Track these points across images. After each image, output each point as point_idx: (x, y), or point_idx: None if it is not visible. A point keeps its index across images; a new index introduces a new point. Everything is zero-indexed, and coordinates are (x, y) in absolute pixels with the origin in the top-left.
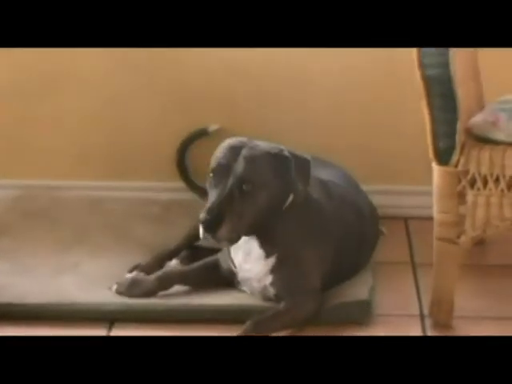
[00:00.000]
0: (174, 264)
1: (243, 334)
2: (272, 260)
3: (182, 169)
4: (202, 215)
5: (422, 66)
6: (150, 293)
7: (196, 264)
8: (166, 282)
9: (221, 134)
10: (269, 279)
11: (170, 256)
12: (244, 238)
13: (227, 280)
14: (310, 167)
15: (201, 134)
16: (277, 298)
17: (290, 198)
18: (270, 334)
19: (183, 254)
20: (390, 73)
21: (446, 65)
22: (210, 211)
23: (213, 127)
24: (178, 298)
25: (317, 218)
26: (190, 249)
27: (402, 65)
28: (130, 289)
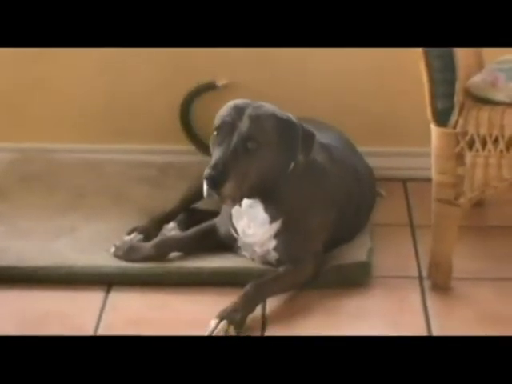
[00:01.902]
0: (171, 227)
1: (244, 296)
2: (277, 225)
3: (186, 124)
4: (207, 171)
5: None
6: (147, 259)
7: (192, 230)
8: (163, 250)
9: (228, 91)
10: (272, 244)
11: (168, 218)
12: (248, 203)
13: (225, 245)
14: (314, 141)
15: (207, 88)
16: (278, 263)
17: (292, 165)
18: (270, 296)
19: (180, 217)
20: None
21: None
22: (214, 167)
23: (222, 82)
24: (176, 261)
25: (321, 181)
26: (187, 212)
27: None
28: (128, 254)
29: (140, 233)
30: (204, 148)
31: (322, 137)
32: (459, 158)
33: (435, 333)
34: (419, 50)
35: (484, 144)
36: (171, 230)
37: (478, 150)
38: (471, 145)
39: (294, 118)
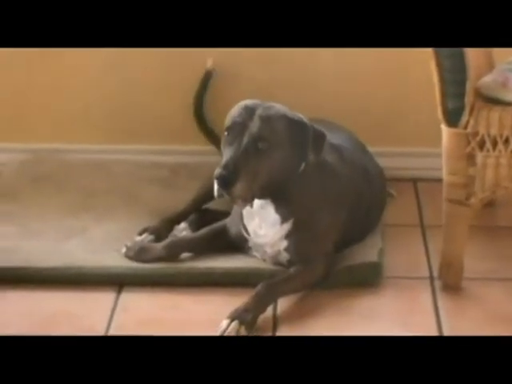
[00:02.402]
0: (182, 227)
1: (255, 297)
2: (288, 225)
3: (200, 118)
4: (217, 171)
5: None
6: (158, 260)
7: (203, 230)
8: (173, 251)
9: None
10: (283, 244)
11: (179, 219)
12: (259, 204)
13: (236, 246)
14: (324, 141)
15: (207, 77)
16: (289, 264)
17: (303, 165)
18: (281, 297)
19: (191, 217)
20: None
21: None
22: (225, 167)
23: (208, 63)
24: (187, 261)
25: (332, 182)
26: (198, 212)
27: None
28: (139, 254)
29: (151, 233)
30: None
31: (332, 137)
32: (470, 158)
33: (446, 333)
34: (429, 50)
35: (495, 144)
36: (182, 230)
37: (488, 151)
38: (482, 145)
39: (304, 119)
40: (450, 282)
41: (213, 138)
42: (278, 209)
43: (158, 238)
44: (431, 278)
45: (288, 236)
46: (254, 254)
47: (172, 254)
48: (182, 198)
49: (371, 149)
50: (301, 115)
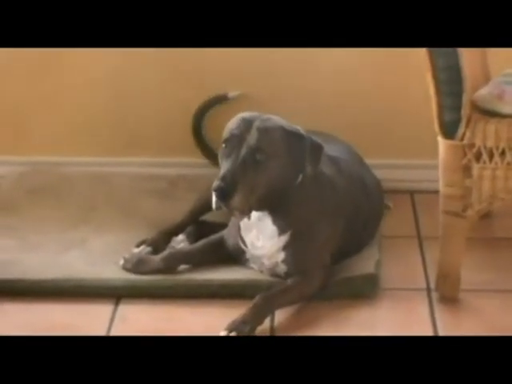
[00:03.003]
0: (180, 239)
1: (253, 308)
2: (285, 237)
3: (198, 136)
4: (215, 183)
5: None
6: (156, 272)
7: (201, 242)
8: (171, 263)
9: (239, 102)
10: (281, 256)
11: (177, 231)
12: (257, 215)
13: (233, 257)
14: (322, 153)
15: (219, 100)
16: (286, 275)
17: (300, 177)
18: (278, 308)
19: (189, 229)
20: (394, 50)
21: None
22: (223, 179)
23: (233, 94)
24: (185, 273)
25: (329, 194)
26: (196, 224)
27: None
28: (137, 266)
29: (149, 245)
30: (216, 160)
31: (330, 149)
32: (466, 170)
33: None
34: (426, 63)
35: (491, 156)
36: (180, 242)
37: (485, 162)
38: (478, 157)
39: (302, 131)
40: (447, 293)
41: (210, 154)
42: (275, 221)
43: (156, 250)
44: (428, 289)
45: (285, 248)
46: (252, 265)
47: (170, 266)
48: (180, 209)
49: (368, 161)
50: (298, 127)
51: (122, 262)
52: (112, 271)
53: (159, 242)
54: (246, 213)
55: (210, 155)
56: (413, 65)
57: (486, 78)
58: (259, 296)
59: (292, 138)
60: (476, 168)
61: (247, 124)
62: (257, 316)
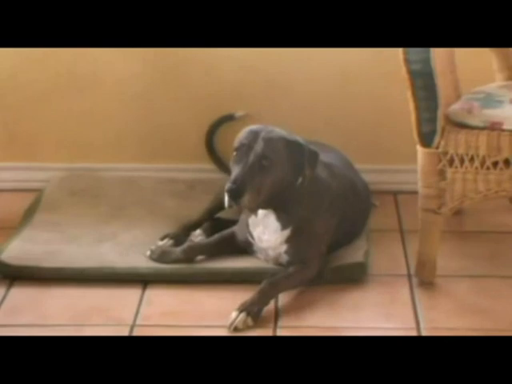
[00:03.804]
0: (197, 233)
1: (260, 292)
2: (287, 232)
3: (211, 148)
4: (228, 185)
5: (407, 61)
6: (178, 261)
7: (215, 236)
8: (190, 254)
9: (245, 120)
10: (283, 248)
11: (195, 226)
12: (263, 213)
13: (242, 249)
14: (318, 159)
15: (227, 118)
16: (288, 264)
17: (300, 180)
18: (281, 292)
19: (205, 225)
20: (379, 67)
21: (427, 60)
22: (234, 181)
23: (239, 113)
24: (202, 263)
25: (324, 194)
26: (211, 221)
27: (390, 60)
28: (161, 257)
29: (171, 239)
30: (225, 168)
31: (324, 156)
32: (441, 173)
33: (422, 323)
34: (407, 83)
35: (462, 162)
36: (198, 236)
37: (456, 167)
38: (451, 162)
39: (301, 140)
40: (425, 278)
41: (220, 164)
42: (278, 217)
43: (177, 243)
44: (409, 275)
45: (287, 241)
46: (259, 256)
47: (189, 257)
48: (198, 208)
49: (357, 166)
50: (298, 137)
51: (148, 252)
52: (140, 260)
53: (180, 236)
54: (254, 210)
55: (221, 165)
56: (395, 82)
57: (458, 96)
58: (265, 281)
59: (292, 146)
60: (449, 172)
61: (254, 135)
62: (263, 298)
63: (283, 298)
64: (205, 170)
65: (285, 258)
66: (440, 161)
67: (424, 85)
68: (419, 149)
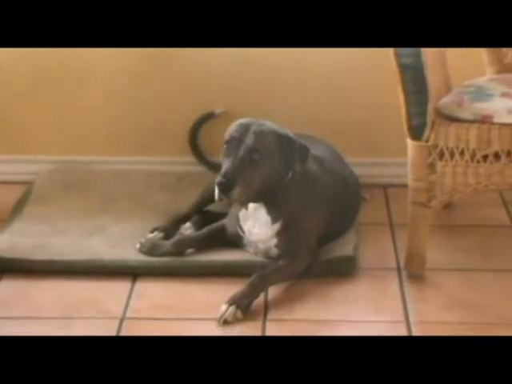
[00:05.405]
0: (187, 226)
1: (250, 285)
2: (277, 225)
3: (194, 146)
4: (218, 178)
5: (398, 55)
6: (167, 254)
7: (205, 230)
8: (180, 247)
9: (225, 117)
10: (274, 241)
11: (184, 219)
12: (253, 206)
13: (232, 242)
14: (308, 153)
15: (208, 116)
16: (278, 257)
17: (290, 174)
18: (271, 285)
19: (195, 218)
20: (369, 61)
21: (418, 54)
22: (224, 175)
23: (218, 110)
24: (192, 256)
25: (315, 188)
26: (201, 214)
27: (380, 54)
28: (151, 250)
29: (161, 232)
30: (211, 166)
31: (315, 150)
32: (431, 167)
33: (411, 316)
34: (397, 77)
35: (452, 155)
36: (187, 229)
37: (447, 161)
38: (441, 156)
39: (291, 134)
40: (414, 271)
41: (203, 161)
42: (269, 211)
43: (167, 236)
44: (398, 268)
45: (278, 234)
46: (248, 249)
47: (179, 250)
48: (187, 201)
49: (348, 159)
50: (288, 131)
51: (138, 245)
52: (129, 253)
53: (170, 229)
54: (244, 204)
55: (206, 163)
56: (386, 76)
57: (448, 89)
58: (255, 275)
59: (283, 140)
60: (439, 165)
61: (245, 128)
62: (253, 291)
63: (273, 291)
64: (194, 162)
65: (275, 252)
66: (430, 154)
67: (414, 78)
68: (409, 142)
